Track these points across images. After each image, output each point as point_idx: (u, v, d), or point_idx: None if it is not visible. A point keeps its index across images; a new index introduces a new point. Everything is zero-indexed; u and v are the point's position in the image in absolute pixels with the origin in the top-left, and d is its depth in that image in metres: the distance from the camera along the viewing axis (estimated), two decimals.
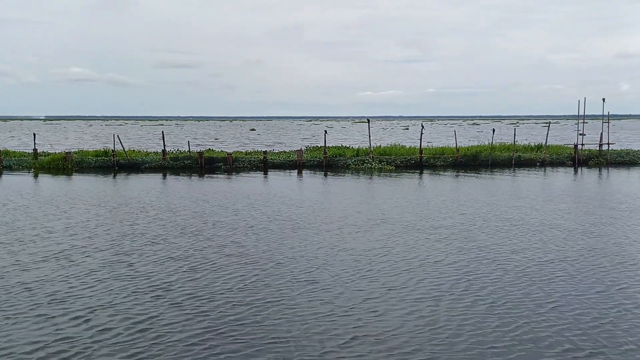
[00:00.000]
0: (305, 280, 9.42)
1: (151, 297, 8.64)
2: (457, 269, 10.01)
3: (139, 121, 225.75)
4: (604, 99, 32.70)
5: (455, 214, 15.56)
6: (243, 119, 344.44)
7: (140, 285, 9.21)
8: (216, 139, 66.73)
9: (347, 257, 10.90)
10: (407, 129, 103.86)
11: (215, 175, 26.32)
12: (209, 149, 37.48)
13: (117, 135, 32.55)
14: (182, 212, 16.11)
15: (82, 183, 23.62)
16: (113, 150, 30.58)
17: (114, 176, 26.28)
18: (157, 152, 32.85)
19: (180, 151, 33.82)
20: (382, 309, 8.10)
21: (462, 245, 11.80)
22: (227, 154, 30.83)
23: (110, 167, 29.70)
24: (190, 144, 34.27)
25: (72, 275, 9.74)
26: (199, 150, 33.12)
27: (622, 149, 35.18)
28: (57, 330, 7.37)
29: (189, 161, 30.20)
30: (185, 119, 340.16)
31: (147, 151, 34.91)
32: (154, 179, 25.14)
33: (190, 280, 9.47)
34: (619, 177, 25.13)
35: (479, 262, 10.48)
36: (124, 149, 31.52)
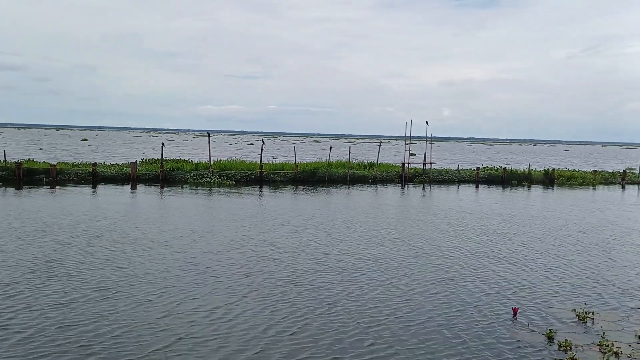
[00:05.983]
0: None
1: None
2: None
3: None
4: (427, 122, 35.77)
5: (282, 225, 15.79)
6: (72, 127, 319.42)
7: None
8: (40, 148, 60.87)
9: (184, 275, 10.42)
10: (252, 144, 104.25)
11: (35, 189, 23.81)
12: (30, 159, 33.96)
13: None
14: None
15: None
16: None
17: None
18: None
19: None
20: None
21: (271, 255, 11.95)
22: (51, 166, 28.16)
23: None
24: (6, 153, 30.73)
25: None
26: (17, 160, 29.81)
27: (443, 168, 38.76)
28: None
29: (4, 173, 27.04)
30: (4, 125, 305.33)
31: None
32: None
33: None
34: (438, 193, 27.54)
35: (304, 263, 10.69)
36: None
